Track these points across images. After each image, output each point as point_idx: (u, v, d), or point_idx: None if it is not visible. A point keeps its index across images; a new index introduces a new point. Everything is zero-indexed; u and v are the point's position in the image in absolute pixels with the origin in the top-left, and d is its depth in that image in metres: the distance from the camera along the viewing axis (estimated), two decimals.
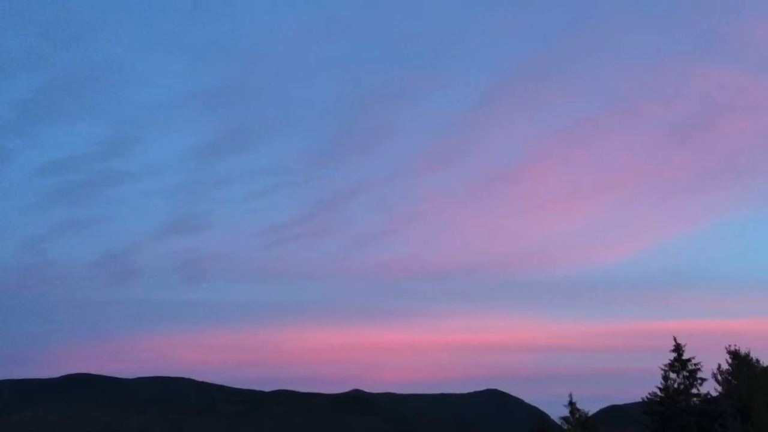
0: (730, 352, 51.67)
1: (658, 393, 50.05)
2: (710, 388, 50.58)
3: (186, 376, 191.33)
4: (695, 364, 50.02)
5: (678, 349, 50.17)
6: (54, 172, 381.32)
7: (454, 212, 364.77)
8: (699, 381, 49.84)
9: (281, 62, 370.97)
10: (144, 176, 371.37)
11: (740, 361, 51.04)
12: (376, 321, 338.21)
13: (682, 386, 49.60)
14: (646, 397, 50.95)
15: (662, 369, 50.26)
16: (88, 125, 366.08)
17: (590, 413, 54.10)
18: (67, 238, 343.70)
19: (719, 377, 51.19)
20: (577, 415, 51.61)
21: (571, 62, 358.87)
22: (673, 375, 49.93)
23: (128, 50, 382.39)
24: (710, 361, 51.37)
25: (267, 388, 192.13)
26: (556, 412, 54.30)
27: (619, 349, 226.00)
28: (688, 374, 49.74)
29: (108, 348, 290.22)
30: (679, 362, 49.90)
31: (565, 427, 52.59)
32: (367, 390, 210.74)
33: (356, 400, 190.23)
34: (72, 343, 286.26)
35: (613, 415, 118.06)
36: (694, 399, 49.54)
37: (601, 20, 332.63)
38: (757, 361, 51.67)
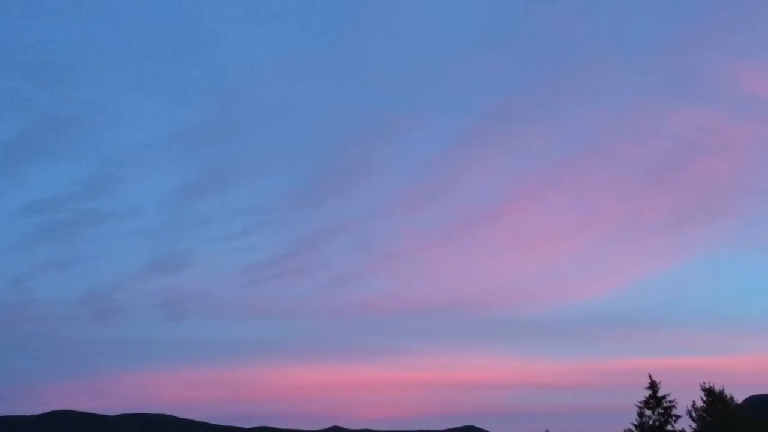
0: (704, 389, 52.55)
1: (634, 430, 50.64)
2: (685, 424, 51.32)
3: (167, 412, 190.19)
4: (670, 401, 50.62)
5: (653, 386, 50.83)
6: (37, 211, 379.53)
7: (433, 251, 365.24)
8: (674, 418, 50.40)
9: (262, 102, 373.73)
10: (126, 216, 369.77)
11: (714, 398, 51.92)
12: (356, 358, 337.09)
13: (657, 423, 50.19)
14: None
15: (637, 406, 50.90)
16: (71, 165, 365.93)
17: None
18: (51, 277, 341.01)
19: (694, 414, 52.01)
20: None
21: (548, 103, 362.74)
22: (648, 412, 50.53)
23: (110, 91, 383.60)
24: (685, 398, 52.12)
25: (248, 425, 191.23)
26: None
27: (594, 386, 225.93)
28: (663, 411, 50.37)
29: (90, 385, 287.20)
30: (654, 399, 50.54)
31: None
32: (346, 426, 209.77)
33: None
34: (55, 380, 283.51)
35: None
36: None
37: (577, 62, 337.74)
38: (731, 398, 52.59)
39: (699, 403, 52.02)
